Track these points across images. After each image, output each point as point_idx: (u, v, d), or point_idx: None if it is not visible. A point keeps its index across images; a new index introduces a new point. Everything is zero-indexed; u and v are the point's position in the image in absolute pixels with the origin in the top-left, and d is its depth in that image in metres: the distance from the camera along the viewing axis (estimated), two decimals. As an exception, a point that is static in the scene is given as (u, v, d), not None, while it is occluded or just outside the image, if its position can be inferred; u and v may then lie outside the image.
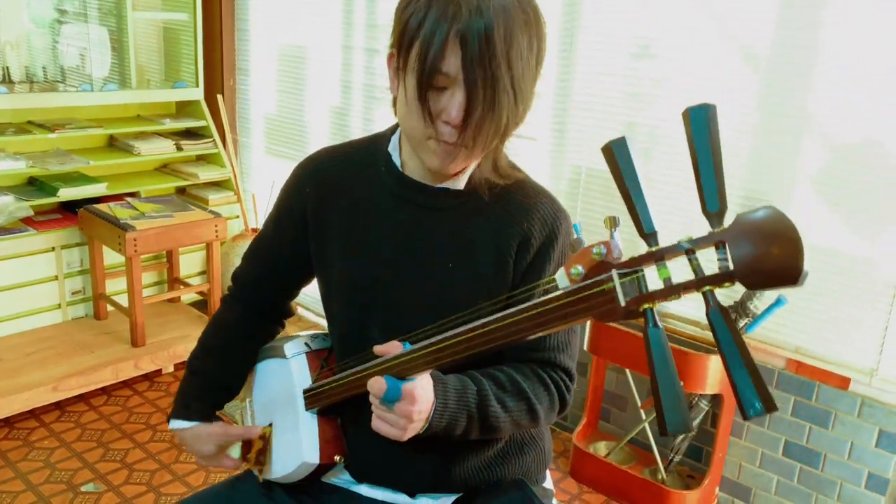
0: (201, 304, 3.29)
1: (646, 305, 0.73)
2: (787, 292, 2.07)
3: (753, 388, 0.66)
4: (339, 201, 1.12)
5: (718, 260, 0.67)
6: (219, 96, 3.38)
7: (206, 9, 3.36)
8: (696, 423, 2.24)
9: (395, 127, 1.11)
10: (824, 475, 2.13)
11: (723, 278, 0.68)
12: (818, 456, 2.13)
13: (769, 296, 2.01)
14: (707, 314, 0.69)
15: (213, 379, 1.24)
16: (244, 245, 3.29)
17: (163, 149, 3.20)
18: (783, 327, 2.14)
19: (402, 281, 1.08)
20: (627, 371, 2.36)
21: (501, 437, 1.13)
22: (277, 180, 3.41)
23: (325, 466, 1.13)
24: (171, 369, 2.94)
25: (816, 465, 2.14)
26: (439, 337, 0.90)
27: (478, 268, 1.06)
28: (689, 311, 2.29)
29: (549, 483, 1.26)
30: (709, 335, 2.21)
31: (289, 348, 1.17)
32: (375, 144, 1.13)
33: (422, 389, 0.93)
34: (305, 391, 1.13)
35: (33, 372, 2.59)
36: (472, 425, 1.01)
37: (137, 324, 2.79)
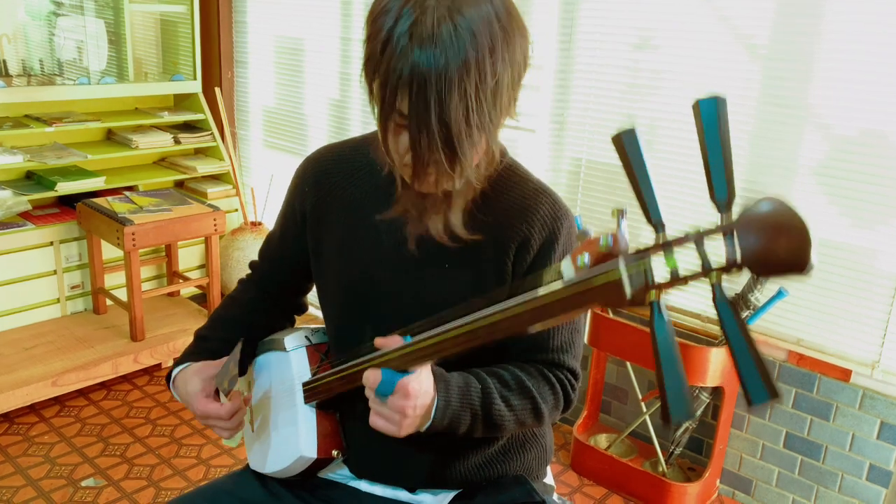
0: (200, 298, 3.28)
1: (652, 295, 0.73)
2: (788, 284, 2.06)
3: (758, 376, 0.67)
4: (336, 200, 1.12)
5: (726, 248, 0.68)
6: (217, 89, 3.37)
7: (203, 1, 3.34)
8: (696, 415, 2.24)
9: None
10: (825, 467, 2.13)
11: (731, 266, 0.68)
12: (819, 448, 2.13)
13: (770, 288, 2.01)
14: (714, 301, 0.69)
15: (216, 345, 1.23)
16: (243, 239, 3.28)
17: (161, 142, 3.19)
18: (784, 319, 2.13)
19: (398, 281, 1.08)
20: (628, 364, 2.36)
21: (505, 435, 1.12)
22: (276, 173, 3.40)
23: (322, 461, 1.12)
24: (170, 364, 2.93)
25: (818, 457, 2.13)
26: (440, 329, 0.88)
27: (475, 268, 1.05)
28: (690, 303, 2.29)
29: (549, 479, 1.25)
30: (710, 328, 2.21)
31: (289, 341, 1.16)
32: (373, 144, 1.12)
33: (418, 384, 0.92)
34: (304, 384, 1.12)
35: (32, 367, 2.58)
36: (476, 423, 1.00)
37: (136, 318, 2.79)
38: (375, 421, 0.94)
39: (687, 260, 0.71)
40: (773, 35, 2.01)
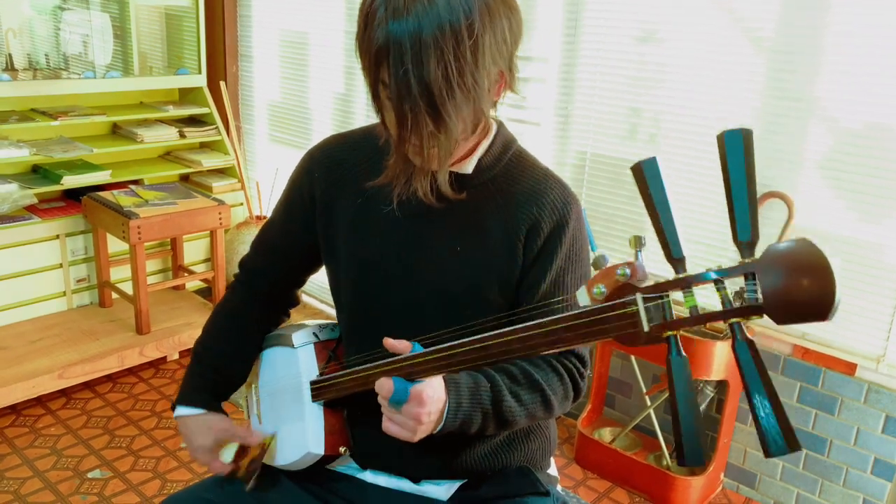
0: (206, 292, 3.29)
1: (669, 332, 0.71)
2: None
3: (777, 424, 0.65)
4: (347, 187, 1.12)
5: (747, 291, 0.66)
6: (221, 83, 3.37)
7: (209, -5, 3.35)
8: (701, 409, 2.24)
9: None
10: (830, 461, 2.12)
11: (751, 311, 0.66)
12: (824, 442, 2.13)
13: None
14: (732, 347, 0.68)
15: (219, 366, 1.23)
16: (248, 232, 3.29)
17: (166, 136, 3.19)
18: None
19: (411, 266, 1.08)
20: (632, 357, 2.36)
21: (517, 429, 1.13)
22: (281, 167, 3.40)
23: (328, 458, 1.13)
24: (175, 356, 2.94)
25: (822, 451, 2.13)
26: (452, 343, 0.89)
27: (487, 252, 1.06)
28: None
29: (553, 470, 1.25)
30: (715, 323, 2.20)
31: (297, 338, 1.16)
32: (378, 128, 1.12)
33: (431, 390, 0.92)
34: (312, 383, 1.12)
35: (39, 359, 2.59)
36: (488, 422, 1.00)
37: (142, 311, 2.80)
38: (389, 427, 0.94)
39: (705, 294, 0.70)
40: (778, 28, 2.01)
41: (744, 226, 0.68)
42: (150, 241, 2.80)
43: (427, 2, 0.88)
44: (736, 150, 0.68)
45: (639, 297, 0.72)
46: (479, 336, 0.88)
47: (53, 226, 2.81)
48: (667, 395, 2.29)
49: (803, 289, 0.62)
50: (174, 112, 3.27)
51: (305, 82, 3.28)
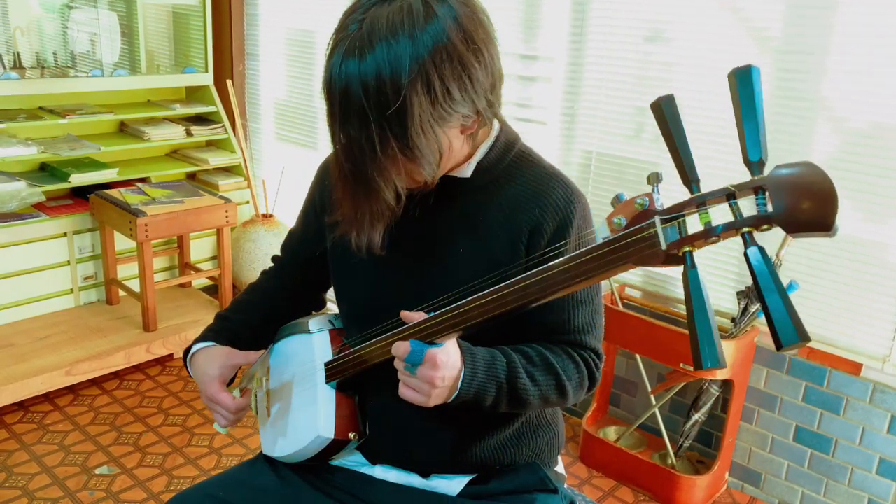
0: (212, 290, 3.30)
1: (686, 249, 0.75)
2: (798, 277, 2.06)
3: (789, 319, 0.70)
4: None
5: (758, 204, 0.71)
6: (228, 81, 3.38)
7: (216, -7, 3.36)
8: (706, 408, 2.24)
9: None
10: (835, 461, 2.12)
11: (762, 220, 0.71)
12: (829, 441, 2.13)
13: (782, 280, 2.00)
14: (745, 254, 0.72)
15: (237, 326, 1.26)
16: (255, 230, 3.30)
17: (173, 134, 3.21)
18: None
19: (414, 268, 1.09)
20: (637, 356, 2.36)
21: (530, 411, 1.14)
22: (288, 166, 3.41)
23: (337, 443, 1.13)
24: (182, 354, 2.95)
25: (827, 450, 2.13)
26: (470, 297, 0.91)
27: (490, 253, 1.06)
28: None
29: (560, 467, 1.26)
30: (721, 321, 2.21)
31: (313, 324, 1.19)
32: None
33: (445, 356, 0.94)
34: (327, 364, 1.14)
35: (46, 356, 2.61)
36: (502, 397, 1.01)
37: (149, 309, 2.81)
38: (404, 392, 0.96)
39: (720, 218, 0.74)
40: (784, 27, 2.01)
41: (754, 145, 0.74)
42: (157, 238, 2.81)
43: (368, 48, 0.89)
44: (746, 82, 0.75)
45: (657, 218, 0.77)
46: (496, 287, 0.90)
47: (61, 223, 2.83)
48: (671, 394, 2.30)
49: (810, 203, 0.68)
50: (181, 110, 3.28)
51: (312, 81, 3.29)
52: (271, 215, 3.42)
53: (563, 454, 2.48)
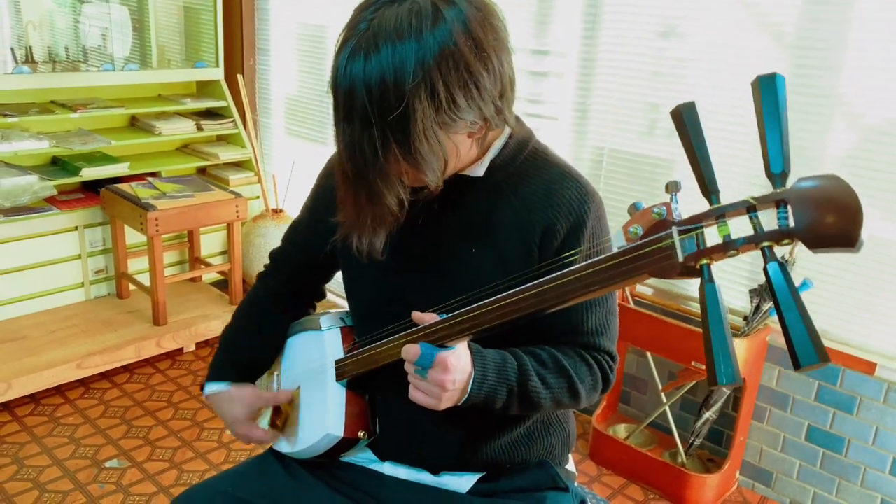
0: (222, 284, 3.31)
1: (703, 261, 0.73)
2: (811, 275, 2.04)
3: (809, 339, 0.68)
4: None
5: (779, 218, 0.69)
6: (239, 76, 3.38)
7: (227, -12, 3.35)
8: (717, 406, 2.22)
9: None
10: (848, 460, 2.11)
11: (783, 235, 0.69)
12: (842, 441, 2.11)
13: (795, 279, 1.98)
14: (764, 269, 0.70)
15: (242, 353, 1.27)
16: (265, 225, 3.30)
17: (183, 129, 3.21)
18: (809, 311, 2.10)
19: (424, 268, 1.08)
20: (648, 354, 2.35)
21: (542, 414, 1.13)
22: (298, 161, 3.41)
23: (347, 441, 1.13)
24: (192, 348, 2.96)
25: (840, 450, 2.11)
26: (484, 301, 0.90)
27: (501, 254, 1.04)
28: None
29: (571, 465, 1.25)
30: (734, 319, 2.19)
31: (324, 321, 1.19)
32: None
33: (456, 359, 0.93)
34: (338, 361, 1.13)
35: (57, 350, 2.62)
36: (512, 399, 1.00)
37: (159, 303, 2.82)
38: (415, 395, 0.95)
39: (740, 230, 0.72)
40: (800, 22, 1.98)
41: (776, 156, 0.71)
42: (168, 233, 2.82)
43: (374, 49, 0.87)
44: (771, 91, 0.72)
45: (674, 229, 0.75)
46: (511, 291, 0.88)
47: (72, 217, 2.84)
48: (682, 392, 2.28)
49: (833, 218, 0.65)
50: (192, 105, 3.28)
51: (322, 76, 3.28)
52: (281, 210, 3.42)
53: (573, 452, 2.47)
